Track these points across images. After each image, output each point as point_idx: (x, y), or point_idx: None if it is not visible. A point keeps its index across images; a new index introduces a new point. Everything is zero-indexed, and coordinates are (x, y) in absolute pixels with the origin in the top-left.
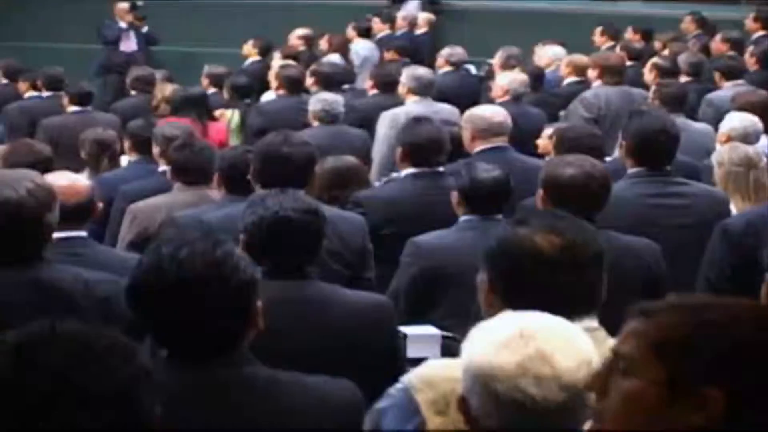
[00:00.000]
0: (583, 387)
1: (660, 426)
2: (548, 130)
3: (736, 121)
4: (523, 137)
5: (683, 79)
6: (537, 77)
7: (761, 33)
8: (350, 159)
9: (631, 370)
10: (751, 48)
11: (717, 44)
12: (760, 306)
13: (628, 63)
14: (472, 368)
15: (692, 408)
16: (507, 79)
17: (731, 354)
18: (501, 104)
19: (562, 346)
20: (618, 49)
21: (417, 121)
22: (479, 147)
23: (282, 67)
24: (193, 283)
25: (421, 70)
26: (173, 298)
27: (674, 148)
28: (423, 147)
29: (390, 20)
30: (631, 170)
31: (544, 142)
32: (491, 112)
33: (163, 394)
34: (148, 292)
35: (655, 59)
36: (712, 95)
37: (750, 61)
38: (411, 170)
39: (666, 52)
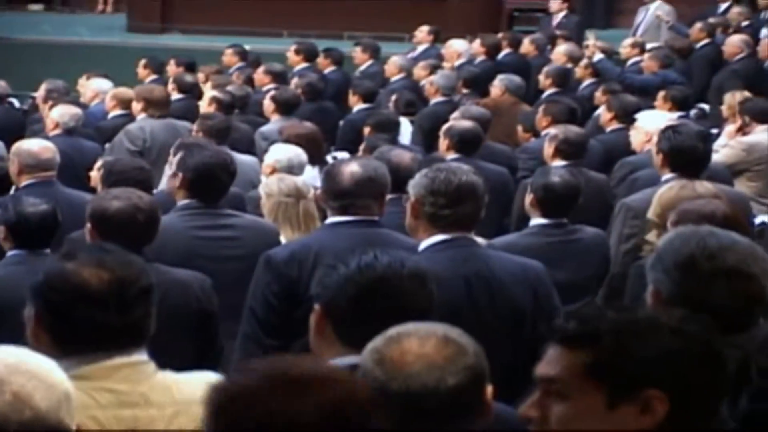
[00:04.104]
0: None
1: None
2: (99, 163)
3: (281, 152)
4: (77, 171)
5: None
6: None
7: (304, 65)
8: None
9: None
10: (295, 80)
11: (260, 76)
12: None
13: (178, 96)
14: None
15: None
16: (58, 113)
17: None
18: (54, 138)
19: (38, 385)
20: (171, 81)
21: None
22: (26, 181)
23: None
24: None
25: None
26: None
27: (229, 182)
28: None
29: None
30: (181, 202)
31: (95, 174)
32: (39, 147)
33: None
34: None
35: (215, 93)
36: (264, 128)
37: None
38: None
39: (208, 85)
